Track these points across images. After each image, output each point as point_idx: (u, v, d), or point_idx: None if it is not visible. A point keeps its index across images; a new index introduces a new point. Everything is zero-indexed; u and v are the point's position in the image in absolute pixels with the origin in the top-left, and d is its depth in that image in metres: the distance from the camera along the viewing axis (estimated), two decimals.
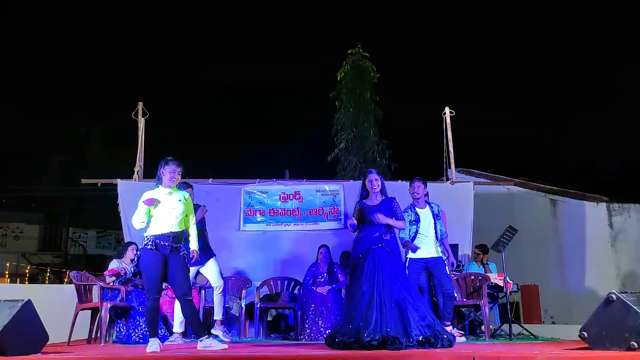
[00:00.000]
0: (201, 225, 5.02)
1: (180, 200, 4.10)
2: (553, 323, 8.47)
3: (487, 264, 6.80)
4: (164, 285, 4.30)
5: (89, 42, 24.35)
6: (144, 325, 4.93)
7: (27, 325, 3.52)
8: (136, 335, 5.02)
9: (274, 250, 6.76)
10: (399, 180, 7.00)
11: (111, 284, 5.29)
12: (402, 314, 3.85)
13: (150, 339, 3.92)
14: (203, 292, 5.71)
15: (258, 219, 6.92)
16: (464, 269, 6.41)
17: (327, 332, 4.96)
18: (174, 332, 4.95)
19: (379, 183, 4.43)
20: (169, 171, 4.08)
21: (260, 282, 6.24)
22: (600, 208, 8.91)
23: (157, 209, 4.00)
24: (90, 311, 5.26)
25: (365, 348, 3.63)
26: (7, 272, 13.40)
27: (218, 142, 19.92)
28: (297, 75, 20.03)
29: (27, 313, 3.53)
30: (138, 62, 24.28)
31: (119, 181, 6.75)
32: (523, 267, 8.01)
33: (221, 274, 5.27)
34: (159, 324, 4.66)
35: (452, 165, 7.44)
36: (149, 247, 3.94)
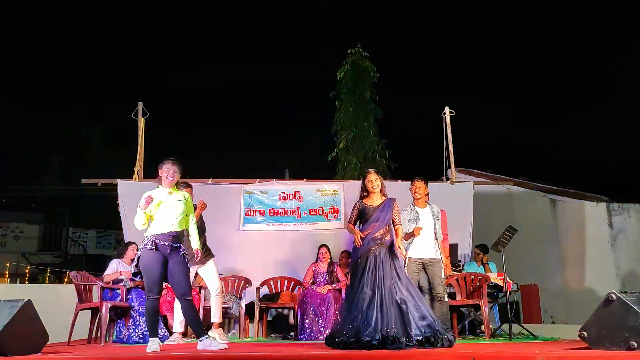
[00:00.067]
0: (202, 226, 5.01)
1: (180, 200, 4.11)
2: (553, 323, 8.47)
3: (487, 263, 6.80)
4: (164, 284, 4.30)
5: (89, 42, 24.37)
6: (144, 325, 4.93)
7: (27, 325, 3.52)
8: (136, 335, 5.03)
9: (274, 250, 6.76)
10: (399, 180, 7.01)
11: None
12: (403, 313, 3.86)
13: (150, 339, 3.93)
14: (203, 292, 5.71)
15: (258, 219, 6.93)
16: (463, 269, 6.41)
17: (327, 331, 4.97)
18: (174, 332, 4.95)
19: (379, 183, 4.43)
20: (165, 170, 4.10)
21: (260, 282, 6.24)
22: (600, 208, 8.91)
23: (157, 209, 4.01)
24: (90, 311, 5.26)
25: (365, 348, 3.63)
26: (7, 272, 13.40)
27: (218, 142, 19.94)
28: (297, 75, 20.04)
29: (27, 313, 3.54)
30: (138, 62, 24.29)
31: (119, 181, 6.75)
32: (523, 267, 8.01)
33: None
34: (159, 324, 4.66)
35: (452, 165, 7.45)
36: (149, 247, 3.94)
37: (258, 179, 7.11)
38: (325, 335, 4.59)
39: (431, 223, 5.06)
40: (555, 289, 8.74)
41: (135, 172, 6.88)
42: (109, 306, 5.01)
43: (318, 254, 6.12)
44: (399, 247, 4.37)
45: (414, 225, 4.99)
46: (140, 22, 24.66)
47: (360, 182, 4.66)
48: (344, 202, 6.96)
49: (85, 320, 5.25)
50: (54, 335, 4.14)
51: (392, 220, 4.38)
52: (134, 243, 5.52)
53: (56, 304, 5.61)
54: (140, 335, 4.99)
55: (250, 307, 6.03)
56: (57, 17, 23.66)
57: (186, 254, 4.11)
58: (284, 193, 7.05)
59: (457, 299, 5.61)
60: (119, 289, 5.26)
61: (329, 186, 7.15)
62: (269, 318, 6.43)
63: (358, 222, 4.45)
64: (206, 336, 4.04)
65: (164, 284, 4.21)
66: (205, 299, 5.71)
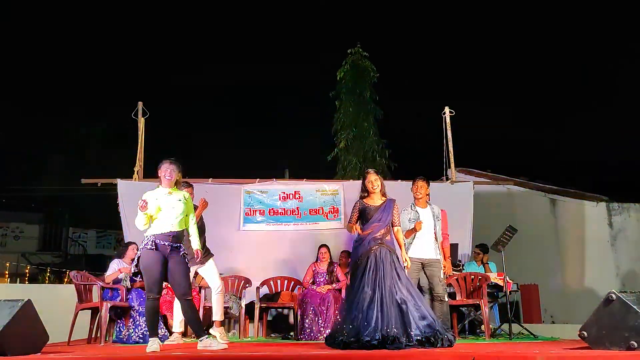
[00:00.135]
0: (202, 226, 5.01)
1: (180, 200, 4.11)
2: (553, 322, 8.47)
3: (487, 263, 6.80)
4: (164, 284, 4.30)
5: (89, 42, 24.38)
6: (144, 325, 4.93)
7: (27, 325, 3.52)
8: (136, 335, 5.03)
9: (274, 250, 6.76)
10: (399, 180, 7.00)
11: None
12: (403, 313, 3.85)
13: (150, 339, 3.93)
14: (203, 292, 5.71)
15: (258, 219, 6.93)
16: (463, 269, 6.41)
17: (327, 331, 4.97)
18: (174, 332, 4.95)
19: (379, 183, 4.42)
20: (163, 170, 4.11)
21: (260, 282, 6.24)
22: (600, 208, 8.91)
23: (159, 212, 4.01)
24: (90, 311, 5.26)
25: (365, 347, 3.63)
26: (7, 272, 13.40)
27: (218, 142, 19.95)
28: (297, 75, 20.05)
29: (27, 313, 3.54)
30: (138, 62, 24.30)
31: (118, 181, 6.75)
32: (523, 266, 8.01)
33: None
34: (159, 324, 4.66)
35: (452, 165, 7.44)
36: (149, 246, 3.94)
37: (258, 179, 7.11)
38: (325, 335, 4.59)
39: (431, 223, 5.06)
40: (555, 289, 8.74)
41: (135, 172, 6.88)
42: (109, 306, 5.02)
43: (318, 253, 6.12)
44: (406, 259, 4.38)
45: (413, 225, 4.99)
46: (140, 22, 24.69)
47: (360, 182, 4.65)
48: (344, 202, 6.96)
49: (85, 320, 5.25)
50: (54, 335, 4.14)
51: (392, 221, 4.39)
52: (134, 243, 5.53)
53: (56, 304, 5.61)
54: (140, 335, 4.99)
55: (250, 307, 6.03)
56: (57, 17, 23.68)
57: (186, 254, 4.11)
58: (284, 193, 7.05)
59: (457, 298, 5.61)
60: (119, 289, 5.26)
61: (329, 186, 7.14)
62: (269, 318, 6.43)
63: (358, 222, 4.45)
64: (206, 336, 4.04)
65: (164, 283, 4.21)
66: (205, 299, 5.71)
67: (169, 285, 4.62)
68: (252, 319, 5.99)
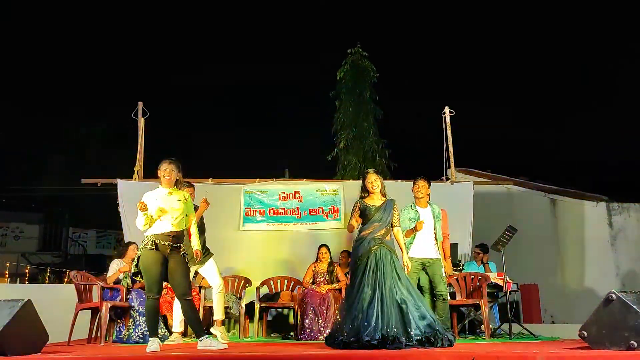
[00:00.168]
0: (202, 226, 5.01)
1: (180, 200, 4.11)
2: (553, 322, 8.47)
3: (487, 263, 6.80)
4: (164, 284, 4.30)
5: (89, 42, 24.40)
6: (144, 325, 4.93)
7: (27, 325, 3.52)
8: (136, 335, 5.03)
9: (274, 250, 6.76)
10: (399, 180, 7.00)
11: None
12: (403, 313, 3.86)
13: (150, 339, 3.93)
14: (203, 291, 5.71)
15: (258, 219, 6.93)
16: (463, 269, 6.41)
17: (327, 331, 4.97)
18: (174, 332, 4.95)
19: (379, 183, 4.42)
20: (162, 170, 4.11)
21: (260, 282, 6.24)
22: (600, 207, 8.90)
23: (159, 213, 4.01)
24: (90, 311, 5.26)
25: (365, 347, 3.63)
26: (7, 272, 13.40)
27: (218, 142, 19.96)
28: (297, 75, 20.06)
29: (27, 313, 3.54)
30: (138, 62, 24.32)
31: (118, 181, 6.75)
32: (523, 266, 8.01)
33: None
34: (159, 324, 4.66)
35: (452, 165, 7.44)
36: (149, 246, 3.94)
37: (258, 179, 7.11)
38: (325, 335, 4.59)
39: (432, 223, 5.06)
40: (555, 288, 8.74)
41: (135, 172, 6.88)
42: (109, 306, 5.02)
43: (318, 253, 6.12)
44: (406, 262, 4.38)
45: (413, 224, 4.99)
46: (140, 22, 24.70)
47: (360, 182, 4.65)
48: (343, 202, 6.96)
49: (85, 320, 5.25)
50: (54, 335, 4.14)
51: (392, 221, 4.39)
52: (134, 243, 5.53)
53: (56, 304, 5.60)
54: (140, 335, 4.99)
55: (250, 307, 6.03)
56: (57, 17, 23.69)
57: (186, 254, 4.11)
58: (284, 193, 7.05)
59: (457, 298, 5.61)
60: (119, 289, 5.26)
61: (328, 186, 7.15)
62: (269, 318, 6.43)
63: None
64: (206, 336, 4.03)
65: (164, 283, 4.21)
66: (205, 299, 5.72)
67: (169, 285, 4.62)
68: (252, 319, 5.99)
